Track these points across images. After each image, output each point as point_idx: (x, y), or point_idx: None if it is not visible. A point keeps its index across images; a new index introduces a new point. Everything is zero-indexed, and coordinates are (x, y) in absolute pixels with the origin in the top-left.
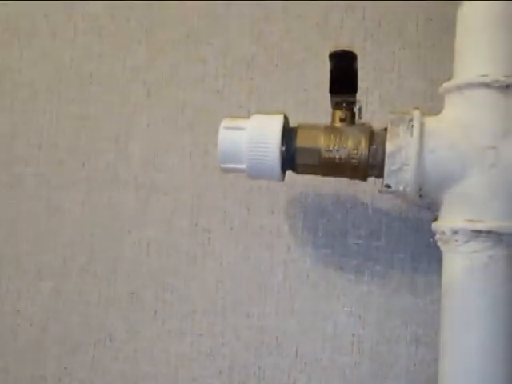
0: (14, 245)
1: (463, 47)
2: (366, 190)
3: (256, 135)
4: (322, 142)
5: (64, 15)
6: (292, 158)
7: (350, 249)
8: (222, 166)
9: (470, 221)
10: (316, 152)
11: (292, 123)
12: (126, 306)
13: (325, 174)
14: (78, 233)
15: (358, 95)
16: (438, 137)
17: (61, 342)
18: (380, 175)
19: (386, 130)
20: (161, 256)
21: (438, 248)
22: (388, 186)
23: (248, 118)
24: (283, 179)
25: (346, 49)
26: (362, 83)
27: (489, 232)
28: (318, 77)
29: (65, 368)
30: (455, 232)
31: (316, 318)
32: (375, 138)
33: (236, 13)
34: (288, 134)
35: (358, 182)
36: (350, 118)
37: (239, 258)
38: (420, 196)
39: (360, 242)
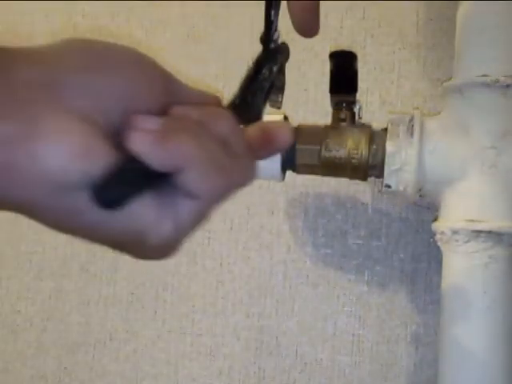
0: (14, 245)
1: (463, 47)
2: (366, 190)
3: None
4: (321, 142)
5: (64, 15)
6: (292, 158)
7: (349, 249)
8: None
9: (470, 221)
10: (316, 152)
11: (292, 123)
12: (126, 305)
13: (325, 174)
14: None
15: (357, 95)
16: (438, 137)
17: (61, 342)
18: (380, 175)
19: (386, 130)
20: None
21: (438, 248)
22: (388, 186)
23: None
24: (283, 179)
25: (346, 49)
26: (362, 83)
27: (489, 232)
28: (318, 77)
29: (65, 368)
30: (455, 232)
31: (316, 318)
32: (375, 138)
33: (236, 13)
34: None
35: (358, 181)
36: (350, 118)
37: (239, 258)
38: (420, 196)
39: (360, 242)
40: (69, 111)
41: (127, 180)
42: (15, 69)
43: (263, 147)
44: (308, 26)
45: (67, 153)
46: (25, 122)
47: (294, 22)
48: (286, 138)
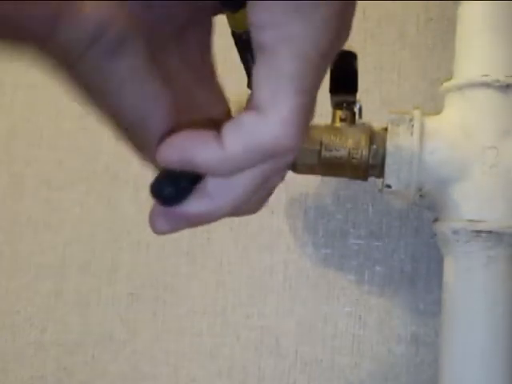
0: (13, 245)
1: (463, 47)
2: (367, 189)
3: None
4: (322, 141)
5: None
6: None
7: (350, 249)
8: None
9: (471, 221)
10: (316, 152)
11: None
12: (125, 305)
13: (325, 173)
14: (78, 233)
15: (357, 95)
16: (439, 137)
17: (60, 342)
18: (380, 175)
19: (386, 129)
20: (161, 256)
21: (438, 248)
22: (388, 186)
23: None
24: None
25: (346, 49)
26: (362, 83)
27: (489, 232)
28: None
29: (64, 368)
30: (456, 232)
31: (316, 319)
32: (375, 138)
33: None
34: None
35: (358, 181)
36: (351, 118)
37: (239, 258)
38: (420, 196)
39: (360, 242)
40: None
41: (181, 181)
42: None
43: None
44: None
45: None
46: None
47: None
48: None
